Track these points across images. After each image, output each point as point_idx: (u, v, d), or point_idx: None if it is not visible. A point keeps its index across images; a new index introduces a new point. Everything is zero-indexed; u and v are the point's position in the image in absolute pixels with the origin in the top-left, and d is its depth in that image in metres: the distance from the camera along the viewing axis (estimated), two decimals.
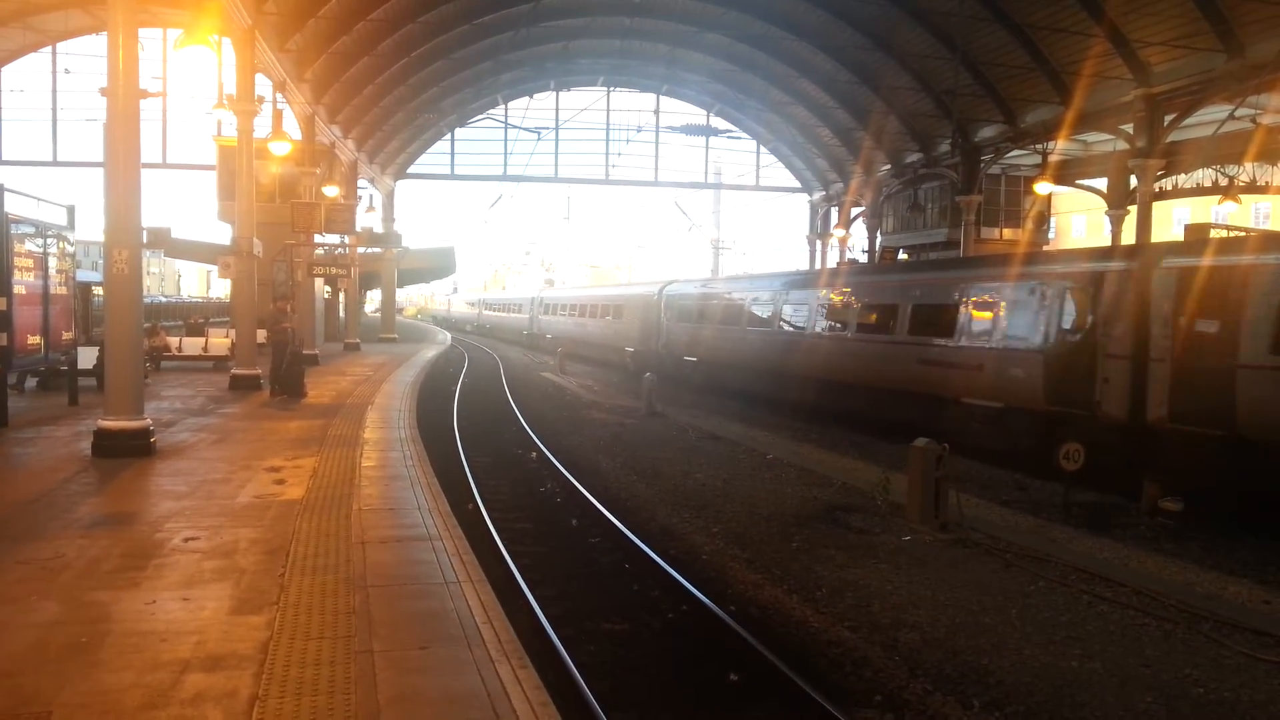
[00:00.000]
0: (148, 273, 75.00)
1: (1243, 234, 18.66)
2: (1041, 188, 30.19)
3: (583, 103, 46.43)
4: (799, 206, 51.72)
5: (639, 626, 8.60)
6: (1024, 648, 7.91)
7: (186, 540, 7.44)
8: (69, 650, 5.13)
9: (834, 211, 46.99)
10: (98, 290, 24.20)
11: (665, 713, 6.84)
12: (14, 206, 13.26)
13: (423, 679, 4.82)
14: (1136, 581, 9.56)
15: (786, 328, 24.90)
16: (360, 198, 39.66)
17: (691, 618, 8.71)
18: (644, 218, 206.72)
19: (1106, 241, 30.95)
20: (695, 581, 9.44)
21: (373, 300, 62.62)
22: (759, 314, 26.63)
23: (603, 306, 43.05)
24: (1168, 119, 24.93)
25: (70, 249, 15.65)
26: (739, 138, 48.49)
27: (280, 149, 22.13)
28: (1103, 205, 30.89)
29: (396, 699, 4.56)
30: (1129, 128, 26.20)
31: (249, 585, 6.35)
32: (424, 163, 49.11)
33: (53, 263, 14.78)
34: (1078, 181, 34.11)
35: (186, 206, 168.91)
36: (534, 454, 17.76)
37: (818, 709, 6.56)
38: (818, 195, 48.51)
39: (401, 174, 48.79)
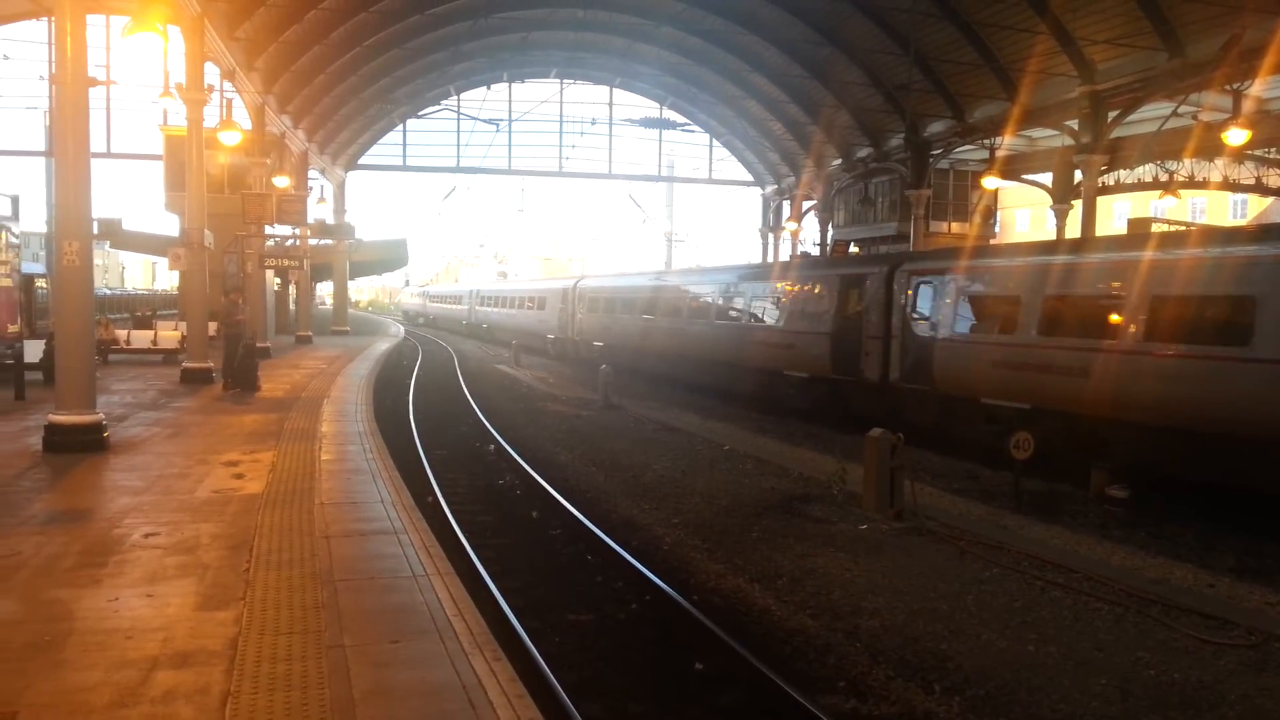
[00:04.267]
0: None
1: (1183, 228, 19.19)
2: (989, 182, 30.59)
3: (537, 95, 46.33)
4: (752, 199, 52.01)
5: (604, 618, 8.65)
6: (981, 633, 8.09)
7: (146, 536, 7.33)
8: (31, 649, 5.04)
9: (786, 205, 47.34)
10: (41, 283, 23.64)
11: (634, 702, 6.90)
12: None
13: (396, 672, 4.82)
14: (1087, 567, 9.82)
15: None
16: (311, 189, 39.07)
17: (656, 608, 8.78)
18: (598, 210, 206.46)
19: (1050, 235, 31.56)
20: (658, 572, 9.50)
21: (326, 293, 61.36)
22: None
23: (702, 304, 27.28)
24: (1111, 115, 25.50)
25: (15, 240, 15.29)
26: (692, 131, 48.64)
27: (230, 139, 21.72)
28: (1047, 200, 31.48)
29: (371, 693, 4.56)
30: (1074, 124, 26.76)
31: (213, 581, 6.29)
32: (376, 154, 48.58)
33: None
34: (1023, 176, 34.69)
35: (130, 197, 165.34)
36: (492, 446, 17.70)
37: (784, 696, 6.66)
38: (770, 188, 48.84)
39: (353, 165, 48.17)
